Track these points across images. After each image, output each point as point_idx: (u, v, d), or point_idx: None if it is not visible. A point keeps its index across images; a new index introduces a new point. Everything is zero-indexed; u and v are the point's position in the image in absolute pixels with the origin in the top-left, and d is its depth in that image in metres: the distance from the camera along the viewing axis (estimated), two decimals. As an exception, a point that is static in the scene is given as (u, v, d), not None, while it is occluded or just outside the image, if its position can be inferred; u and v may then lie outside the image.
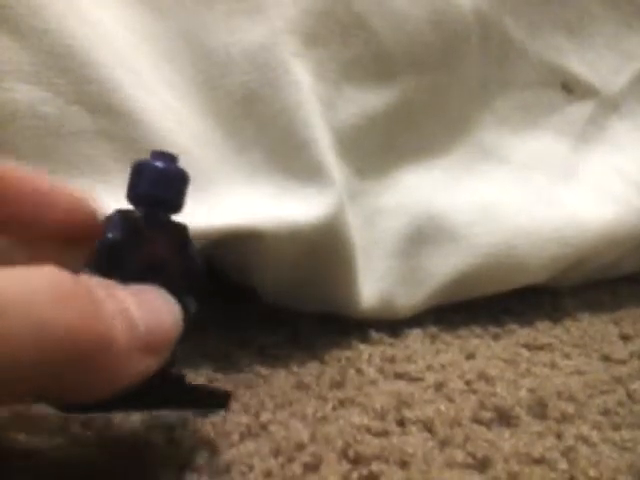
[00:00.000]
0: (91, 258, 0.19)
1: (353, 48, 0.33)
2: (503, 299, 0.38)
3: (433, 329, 0.35)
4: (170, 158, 0.20)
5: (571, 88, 0.41)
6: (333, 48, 0.33)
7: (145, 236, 0.20)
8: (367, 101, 0.34)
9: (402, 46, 0.35)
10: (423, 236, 0.35)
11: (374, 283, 0.34)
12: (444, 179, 0.37)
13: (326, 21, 0.32)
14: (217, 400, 0.22)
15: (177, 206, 0.20)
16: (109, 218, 0.20)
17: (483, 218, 0.36)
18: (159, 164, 0.20)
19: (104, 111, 0.27)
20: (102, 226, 0.20)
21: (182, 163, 0.21)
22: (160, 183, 0.20)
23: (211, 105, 0.30)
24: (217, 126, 0.30)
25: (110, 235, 0.19)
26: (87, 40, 0.28)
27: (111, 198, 0.22)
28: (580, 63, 0.42)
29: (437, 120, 0.37)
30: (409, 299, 0.35)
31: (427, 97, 0.36)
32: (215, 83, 0.30)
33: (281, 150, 0.30)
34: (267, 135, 0.30)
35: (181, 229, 0.21)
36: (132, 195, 0.20)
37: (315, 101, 0.32)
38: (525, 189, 0.39)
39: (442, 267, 0.35)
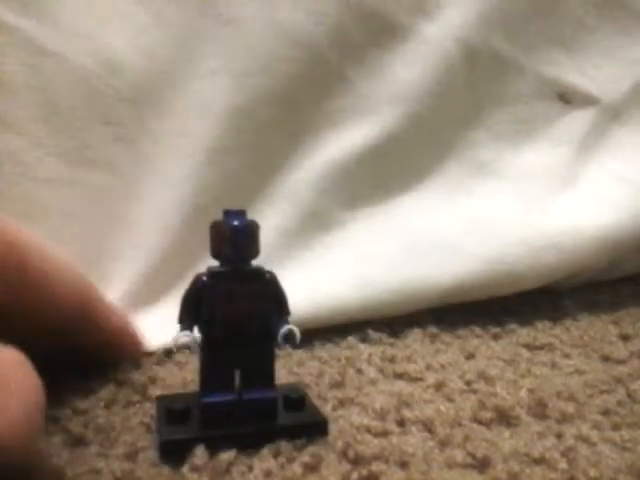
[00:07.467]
0: None
1: None
2: (503, 299, 0.38)
3: (433, 329, 0.35)
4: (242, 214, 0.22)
5: (568, 99, 0.41)
6: None
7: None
8: (349, 139, 0.35)
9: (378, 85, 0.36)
10: (419, 248, 0.35)
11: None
12: (438, 197, 0.38)
13: None
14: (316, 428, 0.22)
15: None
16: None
17: (477, 229, 0.36)
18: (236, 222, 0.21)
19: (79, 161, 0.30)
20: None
21: None
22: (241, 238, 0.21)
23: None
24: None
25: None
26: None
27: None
28: (577, 74, 0.42)
29: (425, 148, 0.38)
30: (406, 309, 0.35)
31: (410, 129, 0.37)
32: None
33: None
34: None
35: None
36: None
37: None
38: (521, 200, 0.39)
39: (438, 277, 0.35)
